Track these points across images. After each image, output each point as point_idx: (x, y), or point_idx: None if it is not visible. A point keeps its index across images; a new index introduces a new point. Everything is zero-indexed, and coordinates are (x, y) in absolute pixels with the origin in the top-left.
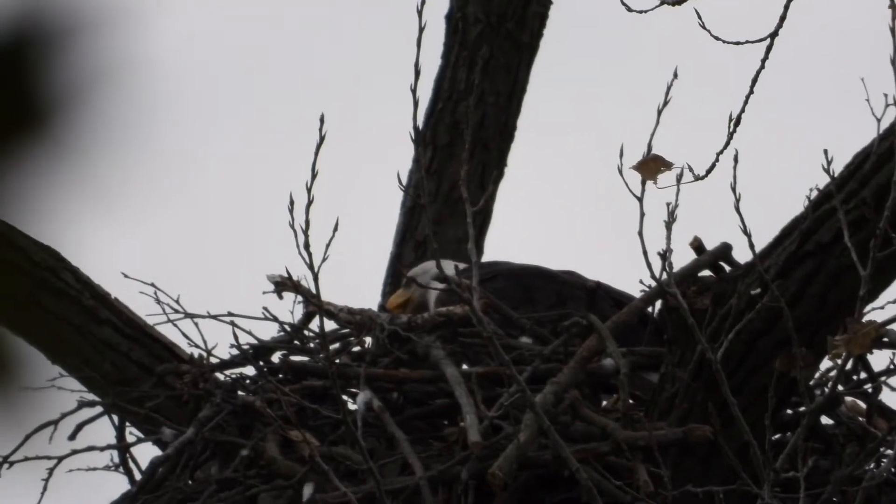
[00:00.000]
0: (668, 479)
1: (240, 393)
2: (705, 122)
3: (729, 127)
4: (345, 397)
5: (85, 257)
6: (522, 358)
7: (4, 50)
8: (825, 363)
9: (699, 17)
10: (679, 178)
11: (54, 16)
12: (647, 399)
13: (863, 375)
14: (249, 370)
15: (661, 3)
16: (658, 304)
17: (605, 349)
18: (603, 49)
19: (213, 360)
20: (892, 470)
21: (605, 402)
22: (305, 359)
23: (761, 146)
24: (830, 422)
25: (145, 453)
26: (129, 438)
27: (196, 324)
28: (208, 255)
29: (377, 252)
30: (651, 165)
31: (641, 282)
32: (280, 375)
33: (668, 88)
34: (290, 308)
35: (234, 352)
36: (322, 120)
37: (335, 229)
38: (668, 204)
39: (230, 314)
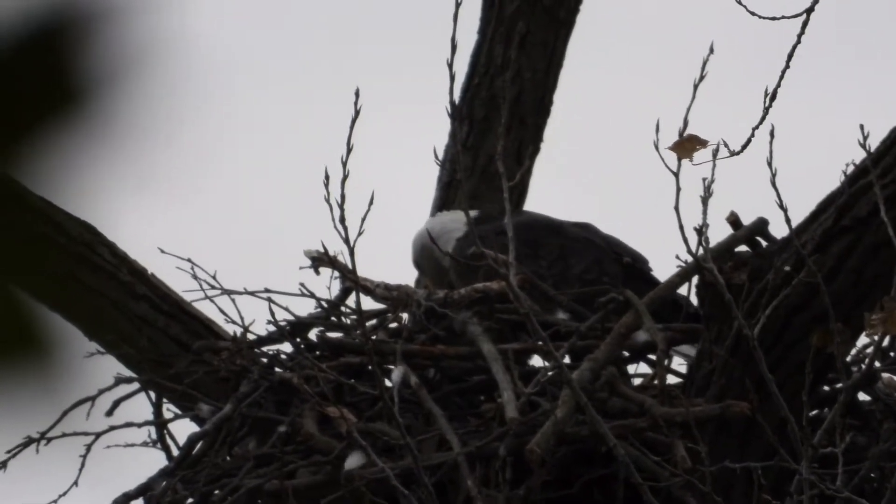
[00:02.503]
0: (706, 455)
1: (277, 369)
2: (741, 97)
3: (765, 102)
4: (381, 373)
5: (121, 233)
6: (559, 334)
7: (43, 29)
8: (862, 339)
9: None
10: (715, 153)
11: None
12: (685, 375)
13: None
14: (287, 346)
15: None
16: (694, 279)
17: (641, 325)
18: (639, 24)
19: (251, 337)
20: None
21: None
22: (342, 335)
23: (797, 121)
24: (867, 398)
25: (183, 429)
26: (167, 415)
27: (233, 300)
28: (245, 230)
29: (413, 227)
30: (687, 145)
31: (678, 257)
32: (317, 352)
33: (705, 63)
34: (327, 284)
35: (271, 328)
36: (357, 94)
37: (371, 203)
38: (704, 179)
39: (267, 290)
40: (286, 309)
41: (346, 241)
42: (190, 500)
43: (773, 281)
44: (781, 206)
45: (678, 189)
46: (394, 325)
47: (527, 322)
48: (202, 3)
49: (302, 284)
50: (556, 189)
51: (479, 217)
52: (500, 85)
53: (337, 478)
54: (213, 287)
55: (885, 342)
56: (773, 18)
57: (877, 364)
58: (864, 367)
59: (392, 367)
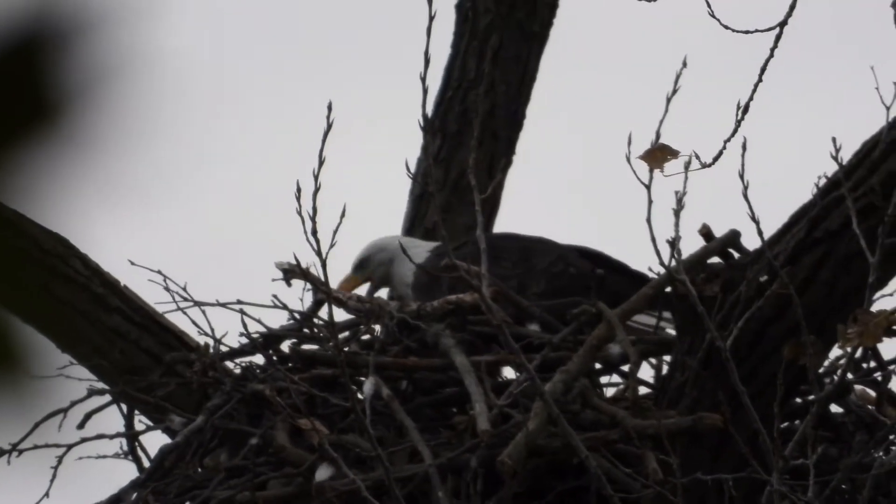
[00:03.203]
0: (678, 466)
1: (249, 381)
2: (714, 110)
3: (737, 115)
4: (354, 386)
5: (94, 245)
6: (532, 346)
7: (18, 45)
8: (835, 351)
9: (708, 6)
10: (687, 165)
11: (66, 11)
12: (657, 387)
13: (872, 364)
14: (259, 358)
15: None
16: (667, 291)
17: (614, 337)
18: (612, 38)
19: (223, 349)
20: None
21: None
22: (315, 347)
23: (770, 134)
24: (840, 410)
25: (154, 441)
26: (138, 426)
27: (204, 312)
28: (216, 242)
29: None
30: (658, 155)
31: (650, 269)
32: (289, 364)
33: (678, 77)
34: (299, 296)
35: (244, 340)
36: (330, 107)
37: (342, 215)
38: (676, 192)
39: (239, 302)
40: (258, 321)
41: (319, 253)
42: None
43: (746, 293)
44: (754, 219)
45: (650, 201)
46: (366, 336)
47: (499, 334)
48: (174, 19)
49: (274, 296)
50: (527, 202)
51: (438, 247)
52: (473, 98)
53: (308, 490)
54: (185, 299)
55: (858, 354)
56: (747, 32)
57: (849, 376)
58: (836, 378)
59: (364, 379)
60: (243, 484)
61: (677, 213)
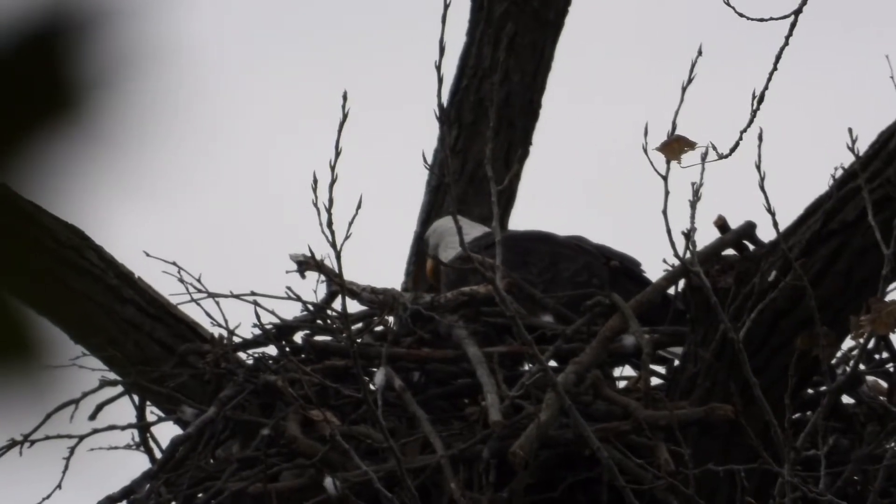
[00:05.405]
0: (689, 457)
1: (261, 373)
2: (729, 98)
3: (752, 105)
4: (366, 377)
5: (108, 236)
6: (545, 337)
7: (34, 36)
8: (847, 342)
9: None
10: (703, 156)
11: (84, 2)
12: (669, 378)
13: (884, 355)
14: (272, 350)
15: None
16: (681, 282)
17: (627, 328)
18: (627, 26)
19: (236, 340)
20: None
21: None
22: (328, 338)
23: (786, 124)
24: (851, 401)
25: (166, 432)
26: (150, 417)
27: (218, 303)
28: (231, 234)
29: (402, 231)
30: (675, 146)
31: (665, 261)
32: (302, 355)
33: (693, 65)
34: (313, 287)
35: (257, 331)
36: (345, 97)
37: (358, 207)
38: (692, 183)
39: (253, 293)
40: (272, 312)
41: (333, 244)
42: (173, 502)
43: (760, 285)
44: (769, 210)
45: (666, 192)
46: (379, 328)
47: (512, 325)
48: (190, 9)
49: (288, 288)
50: (544, 193)
51: (482, 237)
52: (488, 88)
53: (320, 481)
54: (199, 290)
55: (871, 344)
56: (762, 20)
57: (861, 367)
58: (848, 369)
59: (377, 370)
60: (255, 475)
61: (693, 204)
